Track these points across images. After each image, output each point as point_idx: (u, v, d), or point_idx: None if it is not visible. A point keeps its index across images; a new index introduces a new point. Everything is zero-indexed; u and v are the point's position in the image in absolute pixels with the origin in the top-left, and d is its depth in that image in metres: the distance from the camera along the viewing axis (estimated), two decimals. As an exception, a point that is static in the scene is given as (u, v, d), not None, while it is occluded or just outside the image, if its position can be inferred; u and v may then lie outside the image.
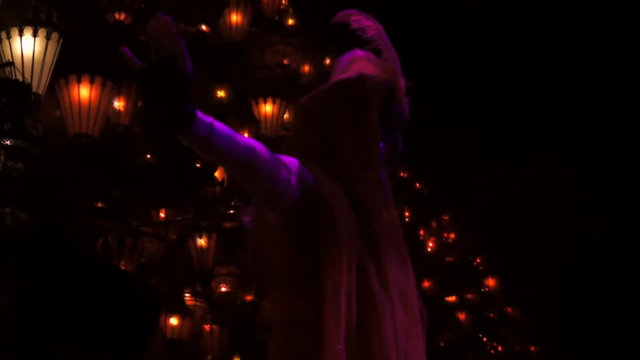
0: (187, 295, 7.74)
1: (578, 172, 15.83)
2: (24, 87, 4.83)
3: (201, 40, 8.21)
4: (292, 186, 2.18)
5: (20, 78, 4.89)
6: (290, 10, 9.96)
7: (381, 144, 2.40)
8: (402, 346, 2.25)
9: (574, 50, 14.26)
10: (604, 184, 16.39)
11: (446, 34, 13.19)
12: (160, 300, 5.27)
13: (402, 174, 13.68)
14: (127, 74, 6.55)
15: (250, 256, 2.39)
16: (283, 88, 8.85)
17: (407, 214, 12.80)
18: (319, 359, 2.12)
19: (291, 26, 9.84)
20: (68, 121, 6.03)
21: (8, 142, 4.50)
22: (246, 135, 8.51)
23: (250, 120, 8.58)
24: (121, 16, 6.85)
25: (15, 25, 5.04)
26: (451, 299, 15.10)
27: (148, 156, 7.34)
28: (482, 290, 16.90)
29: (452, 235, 15.90)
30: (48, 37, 5.07)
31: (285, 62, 9.29)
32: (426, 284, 13.14)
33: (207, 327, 8.09)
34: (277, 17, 9.67)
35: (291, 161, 2.23)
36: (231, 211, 7.77)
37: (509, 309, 18.12)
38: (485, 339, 16.56)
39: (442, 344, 13.40)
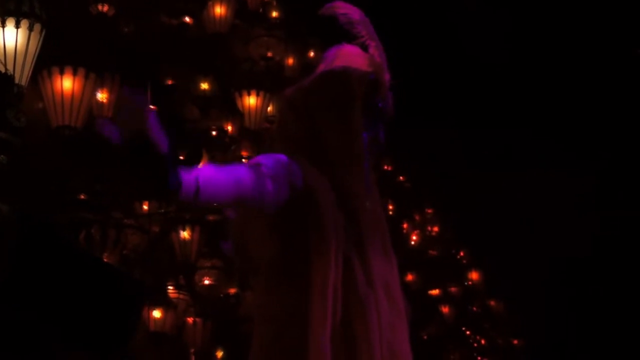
0: (170, 288, 7.73)
1: (565, 169, 15.87)
2: (7, 79, 4.80)
3: (185, 32, 8.18)
4: (280, 195, 2.21)
5: (2, 69, 4.86)
6: (274, 3, 9.92)
7: (365, 135, 2.41)
8: (386, 338, 2.26)
9: (567, 50, 14.27)
10: (593, 182, 16.44)
11: (436, 30, 13.17)
12: (143, 292, 5.27)
13: (386, 167, 13.68)
14: (110, 66, 6.54)
15: (234, 248, 2.39)
16: (267, 80, 8.83)
17: (390, 207, 12.80)
18: (305, 353, 2.13)
19: (275, 18, 9.80)
20: (51, 113, 6.01)
21: (-10, 134, 4.47)
22: (230, 128, 8.51)
23: (234, 113, 8.57)
24: (104, 8, 6.82)
25: (-3, 17, 5.00)
26: (434, 292, 15.12)
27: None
28: (466, 283, 16.94)
29: (436, 229, 15.92)
30: (31, 29, 5.03)
31: (269, 54, 9.25)
32: (410, 277, 13.15)
33: (190, 319, 8.07)
34: (261, 10, 9.64)
35: (278, 161, 2.24)
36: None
37: (492, 303, 18.17)
38: (468, 333, 16.61)
39: (425, 337, 13.43)
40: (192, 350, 8.16)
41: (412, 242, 14.44)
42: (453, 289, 16.00)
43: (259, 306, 2.34)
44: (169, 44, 7.84)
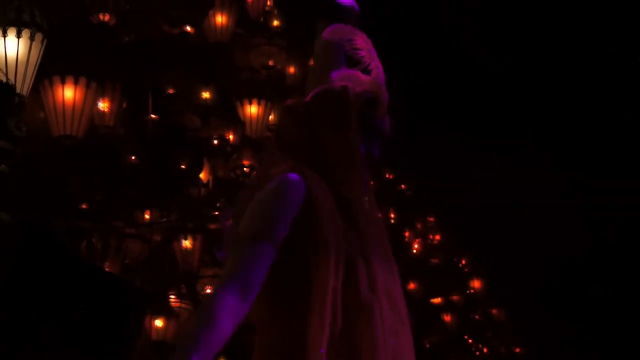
0: (172, 297, 7.72)
1: (565, 173, 15.88)
2: (8, 88, 4.80)
3: (186, 41, 8.19)
4: (269, 261, 2.22)
5: (3, 79, 4.86)
6: (275, 12, 9.94)
7: (362, 147, 2.43)
8: (390, 346, 2.27)
9: (568, 54, 14.29)
10: (592, 186, 16.43)
11: (436, 38, 13.19)
12: (144, 301, 5.27)
13: (387, 176, 13.69)
14: (111, 75, 6.56)
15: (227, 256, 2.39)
16: (268, 89, 8.84)
17: (392, 215, 12.80)
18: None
19: (276, 27, 9.82)
20: (52, 122, 6.01)
21: (-9, 144, 4.48)
22: (231, 137, 8.53)
23: (236, 122, 8.57)
24: (105, 17, 6.83)
25: (-2, 26, 5.01)
26: (436, 300, 15.12)
27: (133, 157, 7.33)
28: (468, 291, 16.93)
29: (438, 237, 15.92)
30: (32, 38, 5.03)
31: (270, 63, 9.26)
32: (412, 285, 13.14)
33: (192, 329, 8.05)
34: (262, 19, 9.65)
35: (263, 217, 2.25)
36: (216, 212, 7.75)
37: (494, 311, 18.16)
38: (470, 341, 16.59)
39: (427, 346, 13.41)
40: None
41: (414, 251, 14.43)
42: (455, 297, 15.99)
43: (259, 316, 2.35)
44: (170, 52, 7.85)
